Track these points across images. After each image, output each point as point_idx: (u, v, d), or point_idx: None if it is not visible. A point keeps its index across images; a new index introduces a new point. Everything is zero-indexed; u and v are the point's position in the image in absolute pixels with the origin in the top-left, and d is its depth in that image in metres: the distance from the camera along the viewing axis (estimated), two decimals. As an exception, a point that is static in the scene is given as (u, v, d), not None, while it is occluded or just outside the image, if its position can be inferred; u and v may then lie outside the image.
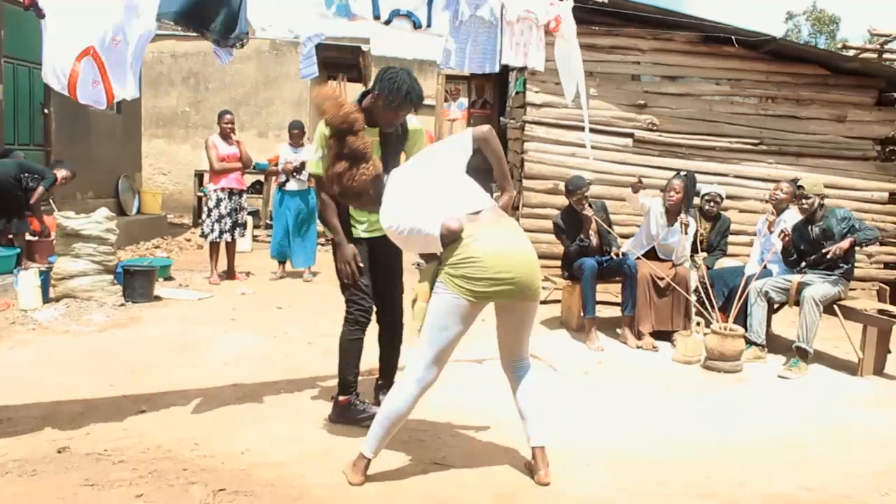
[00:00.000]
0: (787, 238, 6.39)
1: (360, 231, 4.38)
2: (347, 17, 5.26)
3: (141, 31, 4.22)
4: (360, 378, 4.42)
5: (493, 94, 10.50)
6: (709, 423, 4.77)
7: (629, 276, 6.63)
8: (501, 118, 9.84)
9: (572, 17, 6.06)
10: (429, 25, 5.51)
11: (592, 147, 8.13)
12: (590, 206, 6.76)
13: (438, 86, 10.61)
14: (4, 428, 4.05)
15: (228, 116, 8.77)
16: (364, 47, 12.65)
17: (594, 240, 6.84)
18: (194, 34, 4.66)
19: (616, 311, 7.19)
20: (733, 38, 8.14)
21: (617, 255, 6.73)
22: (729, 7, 49.74)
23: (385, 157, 4.24)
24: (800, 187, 6.38)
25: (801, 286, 6.23)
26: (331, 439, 4.11)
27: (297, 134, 9.05)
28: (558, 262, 7.75)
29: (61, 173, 8.73)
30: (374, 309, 4.40)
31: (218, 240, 8.56)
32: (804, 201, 6.32)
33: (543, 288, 7.79)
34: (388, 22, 5.31)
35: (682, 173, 7.01)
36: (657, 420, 4.75)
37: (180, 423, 4.25)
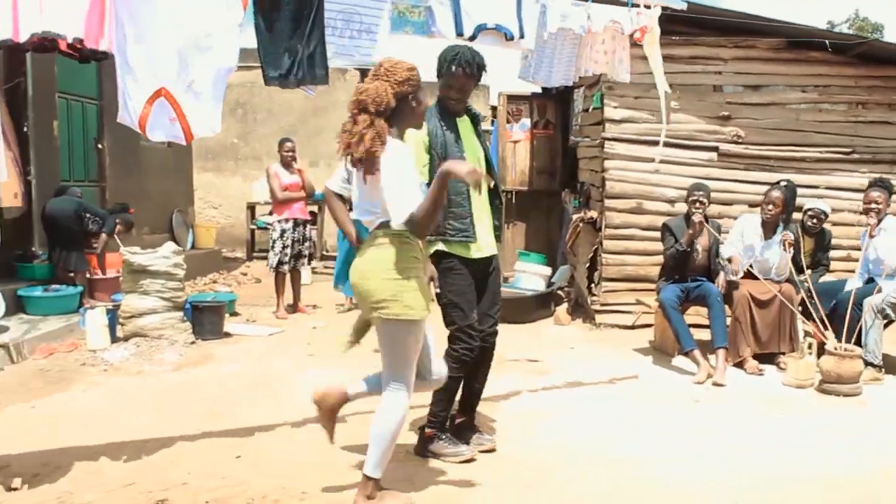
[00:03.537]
0: None
1: (473, 251, 3.99)
2: (425, 34, 4.96)
3: (217, 67, 4.10)
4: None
5: (555, 113, 10.10)
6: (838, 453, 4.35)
7: (715, 305, 6.16)
8: (571, 137, 9.44)
9: (658, 27, 5.72)
10: (521, 37, 5.16)
11: (676, 163, 7.78)
12: (705, 218, 6.27)
13: (500, 107, 10.23)
14: (93, 479, 3.72)
15: (289, 144, 8.53)
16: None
17: (700, 254, 6.36)
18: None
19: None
20: (825, 41, 7.67)
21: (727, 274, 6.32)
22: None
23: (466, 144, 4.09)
24: None
25: (922, 301, 5.77)
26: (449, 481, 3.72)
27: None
28: (647, 285, 7.36)
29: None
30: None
31: (285, 272, 8.22)
32: None
33: (630, 312, 7.48)
34: (472, 38, 4.98)
35: (783, 183, 6.53)
36: (785, 452, 4.34)
37: (281, 470, 3.89)
